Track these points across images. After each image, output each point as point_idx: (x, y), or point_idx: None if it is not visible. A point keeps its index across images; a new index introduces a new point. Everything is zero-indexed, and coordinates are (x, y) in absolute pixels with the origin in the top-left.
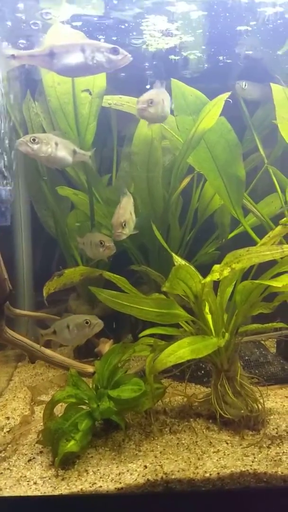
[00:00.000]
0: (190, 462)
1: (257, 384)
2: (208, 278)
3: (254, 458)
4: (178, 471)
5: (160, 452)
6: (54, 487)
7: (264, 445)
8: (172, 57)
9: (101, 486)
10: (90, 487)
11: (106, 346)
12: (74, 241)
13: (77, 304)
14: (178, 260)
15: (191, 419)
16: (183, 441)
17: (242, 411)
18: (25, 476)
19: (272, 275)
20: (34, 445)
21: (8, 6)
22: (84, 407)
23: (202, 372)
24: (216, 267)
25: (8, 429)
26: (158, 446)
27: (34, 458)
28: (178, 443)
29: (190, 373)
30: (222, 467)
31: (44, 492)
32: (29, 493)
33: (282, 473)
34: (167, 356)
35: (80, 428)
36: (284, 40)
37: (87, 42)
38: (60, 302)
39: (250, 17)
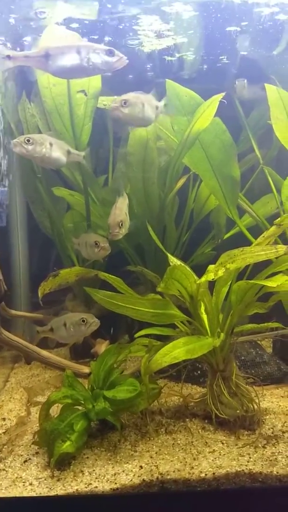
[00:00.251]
0: (186, 462)
1: (253, 384)
2: (203, 278)
3: (250, 458)
4: (174, 471)
5: (156, 453)
6: (50, 488)
7: (260, 445)
8: (169, 58)
9: (96, 487)
10: (86, 487)
11: (102, 347)
12: (70, 241)
13: (73, 304)
14: (174, 261)
15: (187, 419)
16: (179, 442)
17: (238, 411)
18: (21, 477)
19: (267, 275)
20: (30, 446)
21: (2, 5)
22: (79, 407)
23: (199, 372)
24: (211, 267)
25: (4, 430)
26: (154, 447)
27: (30, 459)
28: (173, 444)
29: (186, 373)
30: (217, 467)
31: (40, 493)
32: (25, 494)
33: (277, 473)
34: (162, 357)
35: (75, 428)
36: (279, 41)
37: (82, 43)
38: (57, 303)
39: (244, 17)
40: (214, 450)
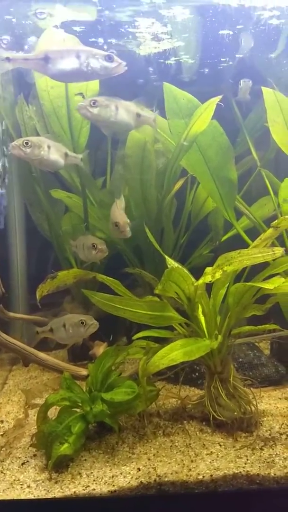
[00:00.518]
0: (184, 464)
1: (250, 386)
2: (201, 281)
3: (247, 460)
4: (171, 474)
5: (154, 455)
6: (48, 490)
7: (257, 447)
8: (168, 61)
9: (94, 489)
10: (84, 490)
11: (100, 349)
12: (68, 243)
13: (71, 307)
14: (171, 263)
15: (185, 422)
16: (177, 444)
17: (235, 413)
18: (19, 480)
19: (265, 277)
20: (28, 449)
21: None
22: (77, 410)
23: (197, 374)
24: (209, 269)
25: (2, 433)
26: (152, 449)
27: (27, 461)
28: (171, 446)
29: (184, 375)
30: (215, 469)
31: (38, 495)
32: (23, 497)
33: (275, 474)
34: (160, 359)
35: (73, 431)
36: (277, 44)
37: (82, 48)
38: (55, 305)
39: (241, 20)
40: (211, 452)
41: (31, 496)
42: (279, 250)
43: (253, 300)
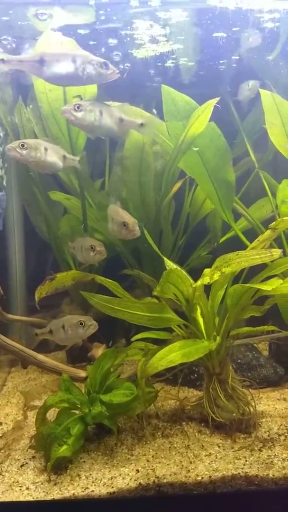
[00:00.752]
0: (182, 465)
1: (249, 387)
2: (199, 282)
3: (246, 461)
4: (170, 475)
5: (152, 456)
6: (47, 492)
7: (256, 448)
8: (167, 64)
9: (93, 491)
10: (83, 491)
11: (99, 351)
12: (67, 245)
13: (70, 308)
14: (170, 264)
15: (183, 423)
16: (175, 445)
17: (234, 414)
18: (18, 482)
19: (263, 279)
20: (27, 450)
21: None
22: (76, 412)
23: (195, 375)
24: (207, 271)
25: (0, 435)
26: (150, 450)
27: (26, 463)
28: (170, 447)
29: (183, 377)
30: (214, 470)
31: (37, 497)
32: (22, 499)
33: (273, 475)
34: (159, 360)
35: (72, 432)
36: (275, 46)
37: (78, 53)
38: (54, 307)
39: (239, 23)
40: (210, 453)
41: (30, 498)
42: (277, 252)
43: (252, 302)
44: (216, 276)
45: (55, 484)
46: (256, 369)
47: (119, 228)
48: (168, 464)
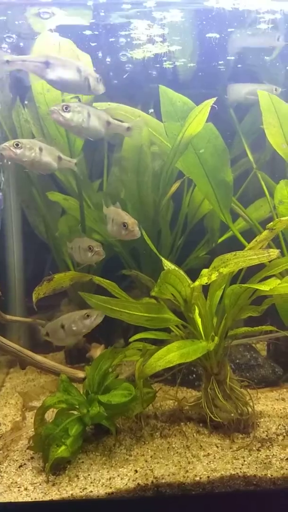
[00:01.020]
0: (181, 466)
1: (247, 387)
2: (197, 283)
3: (244, 461)
4: (169, 475)
5: (151, 457)
6: (45, 493)
7: (254, 448)
8: (166, 64)
9: (91, 491)
10: (81, 492)
11: (97, 351)
12: (65, 246)
13: (68, 309)
14: (168, 265)
15: (182, 423)
16: (174, 445)
17: (232, 415)
18: (16, 482)
19: (261, 279)
20: (25, 451)
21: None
22: (74, 412)
23: (194, 376)
24: (205, 271)
25: None
26: (149, 451)
27: (25, 464)
28: (168, 447)
29: (181, 377)
30: (212, 470)
31: (35, 498)
32: (20, 499)
33: (271, 476)
34: (157, 361)
35: (70, 433)
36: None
37: (83, 65)
38: (52, 308)
39: (236, 23)
40: (208, 453)
41: (28, 499)
42: (274, 252)
43: (249, 302)
44: (214, 277)
45: (53, 485)
46: (255, 369)
47: (118, 229)
48: (166, 465)
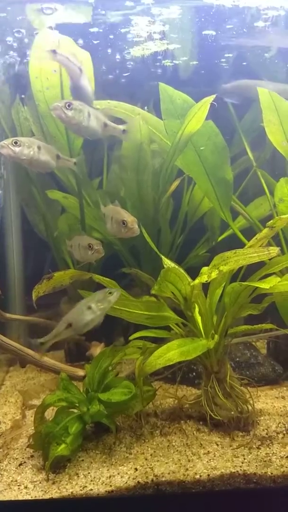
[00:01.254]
0: (181, 464)
1: (247, 385)
2: (197, 281)
3: (244, 459)
4: (169, 473)
5: (151, 455)
6: (45, 491)
7: (254, 446)
8: (166, 62)
9: (91, 489)
10: (81, 490)
11: (97, 349)
12: (65, 244)
13: (68, 307)
14: (168, 263)
15: (182, 421)
16: (174, 443)
17: (232, 413)
18: (16, 480)
19: (261, 277)
20: (25, 449)
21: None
22: (74, 410)
23: (194, 374)
24: (205, 269)
25: None
26: (149, 449)
27: (25, 462)
28: (168, 445)
29: (181, 375)
30: (212, 468)
31: (35, 496)
32: (20, 497)
33: (271, 473)
34: (157, 359)
35: (70, 431)
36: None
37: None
38: (52, 306)
39: (236, 20)
40: (208, 451)
41: (28, 497)
42: (274, 250)
43: (249, 300)
44: (214, 275)
45: (53, 483)
46: (254, 367)
47: (118, 227)
48: (166, 463)
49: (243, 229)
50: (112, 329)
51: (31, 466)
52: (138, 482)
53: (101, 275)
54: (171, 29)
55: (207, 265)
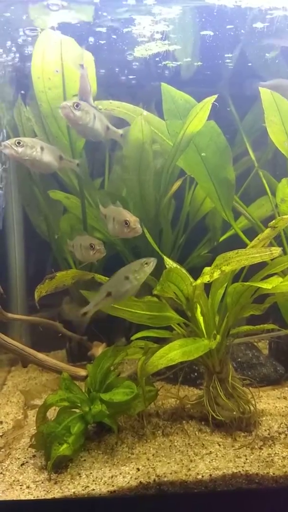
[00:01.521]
0: (183, 464)
1: (249, 386)
2: (199, 281)
3: (246, 459)
4: (171, 473)
5: (153, 455)
6: (47, 491)
7: (256, 447)
8: (169, 63)
9: (94, 489)
10: (83, 490)
11: (99, 349)
12: (67, 244)
13: (70, 307)
14: (170, 263)
15: (184, 422)
16: (176, 444)
17: (234, 413)
18: (18, 480)
19: (263, 277)
20: (27, 449)
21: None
22: (76, 410)
23: (195, 374)
24: (207, 269)
25: (1, 434)
26: (151, 449)
27: (27, 462)
28: (170, 446)
29: (183, 375)
30: (214, 468)
31: (37, 496)
32: (22, 497)
33: (273, 474)
34: (159, 359)
35: (72, 431)
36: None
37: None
38: (54, 306)
39: (237, 20)
40: (210, 452)
41: (30, 497)
42: (276, 250)
43: (251, 300)
44: (216, 275)
45: (55, 483)
46: (256, 368)
47: (120, 227)
48: (168, 463)
49: (244, 229)
50: (114, 329)
51: (33, 466)
52: (140, 482)
53: (103, 275)
54: (172, 29)
55: (209, 265)
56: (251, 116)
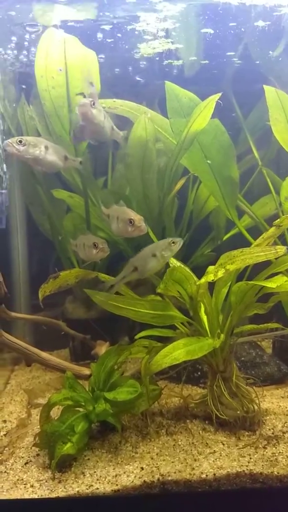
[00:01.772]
0: (187, 463)
1: (253, 385)
2: (203, 280)
3: (250, 458)
4: (175, 473)
5: (157, 454)
6: (51, 490)
7: (260, 446)
8: (172, 62)
9: (97, 488)
10: (87, 489)
11: (102, 349)
12: (70, 243)
13: (73, 306)
14: (173, 262)
15: (187, 421)
16: (180, 443)
17: (238, 412)
18: (22, 479)
19: (267, 276)
20: (31, 448)
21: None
22: (80, 409)
23: (199, 373)
24: (211, 268)
25: (5, 432)
26: (155, 448)
27: (31, 461)
28: (174, 445)
29: (186, 375)
30: (218, 468)
31: (41, 495)
32: (26, 496)
33: (278, 473)
34: (163, 358)
35: (76, 430)
36: (278, 42)
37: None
38: (57, 305)
39: (242, 18)
40: (214, 451)
41: (34, 496)
42: (281, 249)
43: (256, 299)
44: (220, 274)
45: (59, 482)
46: (260, 367)
47: (125, 226)
48: (172, 462)
49: (248, 228)
50: (117, 328)
51: (37, 465)
52: (144, 481)
53: (107, 274)
54: (176, 27)
55: (213, 264)
56: (255, 114)
